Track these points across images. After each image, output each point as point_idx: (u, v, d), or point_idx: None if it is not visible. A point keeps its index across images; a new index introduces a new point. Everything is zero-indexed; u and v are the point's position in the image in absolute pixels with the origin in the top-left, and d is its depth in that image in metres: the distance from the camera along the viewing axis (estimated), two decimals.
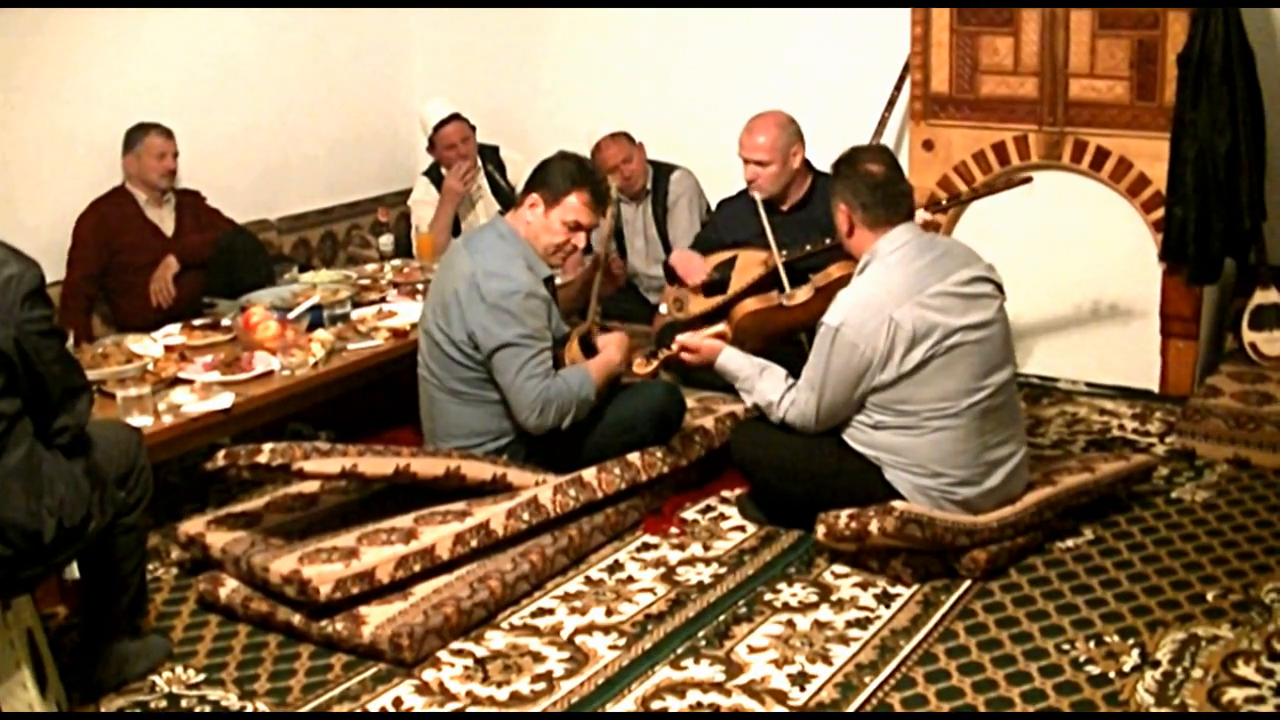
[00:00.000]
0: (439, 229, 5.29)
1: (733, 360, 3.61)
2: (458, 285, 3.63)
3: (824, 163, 4.59)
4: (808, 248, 4.24)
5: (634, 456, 3.76)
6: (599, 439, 3.73)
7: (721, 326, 3.84)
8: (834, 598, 3.32)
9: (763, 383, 3.54)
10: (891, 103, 4.98)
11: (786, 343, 4.19)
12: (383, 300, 4.62)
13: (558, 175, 3.72)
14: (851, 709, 2.85)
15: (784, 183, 4.42)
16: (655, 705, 2.89)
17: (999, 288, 3.44)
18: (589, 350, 3.81)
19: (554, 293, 3.81)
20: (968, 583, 3.36)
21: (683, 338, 3.69)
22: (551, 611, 3.32)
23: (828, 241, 4.11)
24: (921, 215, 3.88)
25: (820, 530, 3.35)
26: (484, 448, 3.69)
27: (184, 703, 2.97)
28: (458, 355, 3.65)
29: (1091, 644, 3.05)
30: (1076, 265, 4.76)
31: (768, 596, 3.35)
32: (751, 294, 4.26)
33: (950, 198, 4.53)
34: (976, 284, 3.37)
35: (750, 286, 4.33)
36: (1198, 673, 2.91)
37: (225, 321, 4.34)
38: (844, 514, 3.32)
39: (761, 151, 4.36)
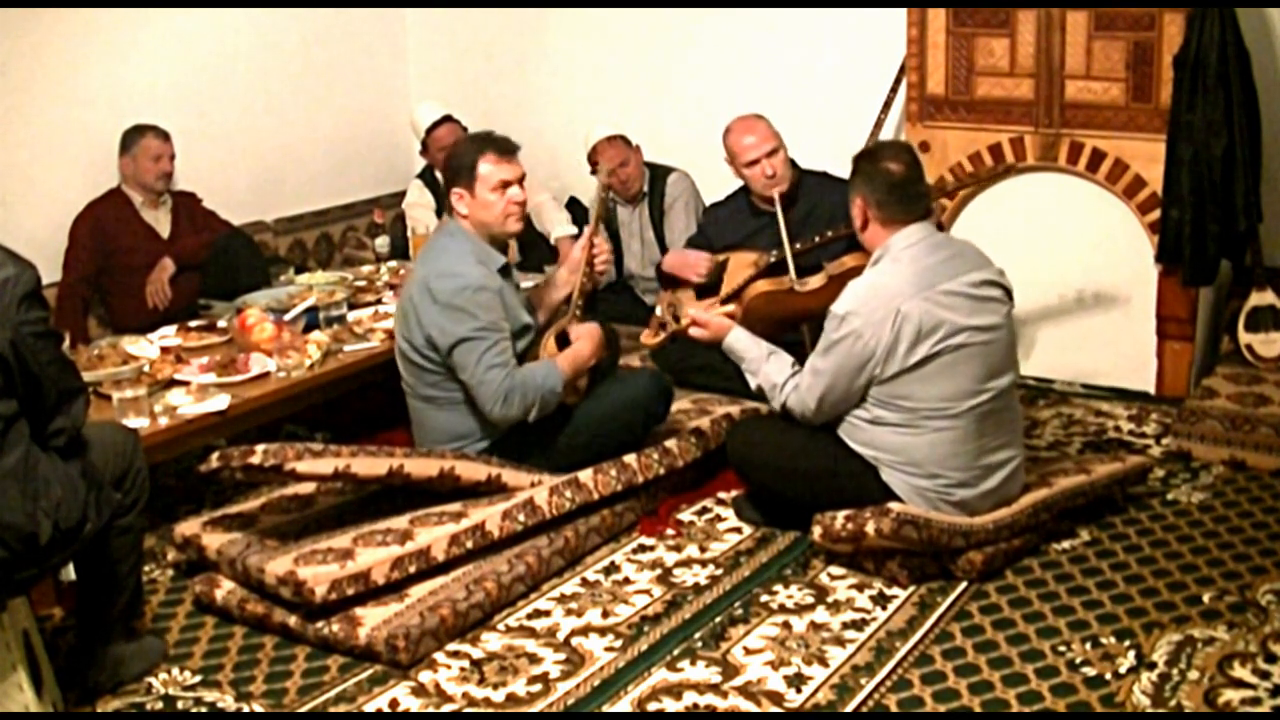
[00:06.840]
0: None
1: (741, 340, 3.61)
2: (412, 291, 3.66)
3: (820, 164, 4.61)
4: (815, 239, 4.22)
5: (630, 458, 3.75)
6: (583, 429, 3.73)
7: (732, 306, 3.83)
8: (830, 599, 3.33)
9: (769, 366, 3.54)
10: (888, 104, 4.98)
11: (792, 330, 4.16)
12: (378, 302, 4.62)
13: (458, 159, 3.72)
14: (848, 710, 2.85)
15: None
16: (651, 707, 2.88)
17: (1009, 294, 3.44)
18: (566, 346, 3.80)
19: (516, 283, 3.80)
20: (964, 584, 3.36)
21: (694, 313, 3.69)
22: (547, 613, 3.31)
23: (827, 235, 4.11)
24: None
25: (816, 531, 3.35)
26: (471, 448, 3.69)
27: (180, 704, 2.97)
28: (421, 360, 3.66)
29: (1087, 645, 3.05)
30: (1072, 267, 4.76)
31: (764, 598, 3.35)
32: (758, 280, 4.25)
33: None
34: (987, 287, 3.37)
35: (747, 282, 4.31)
36: (1194, 674, 2.91)
37: (221, 323, 4.34)
38: (840, 515, 3.32)
39: (771, 139, 4.34)
